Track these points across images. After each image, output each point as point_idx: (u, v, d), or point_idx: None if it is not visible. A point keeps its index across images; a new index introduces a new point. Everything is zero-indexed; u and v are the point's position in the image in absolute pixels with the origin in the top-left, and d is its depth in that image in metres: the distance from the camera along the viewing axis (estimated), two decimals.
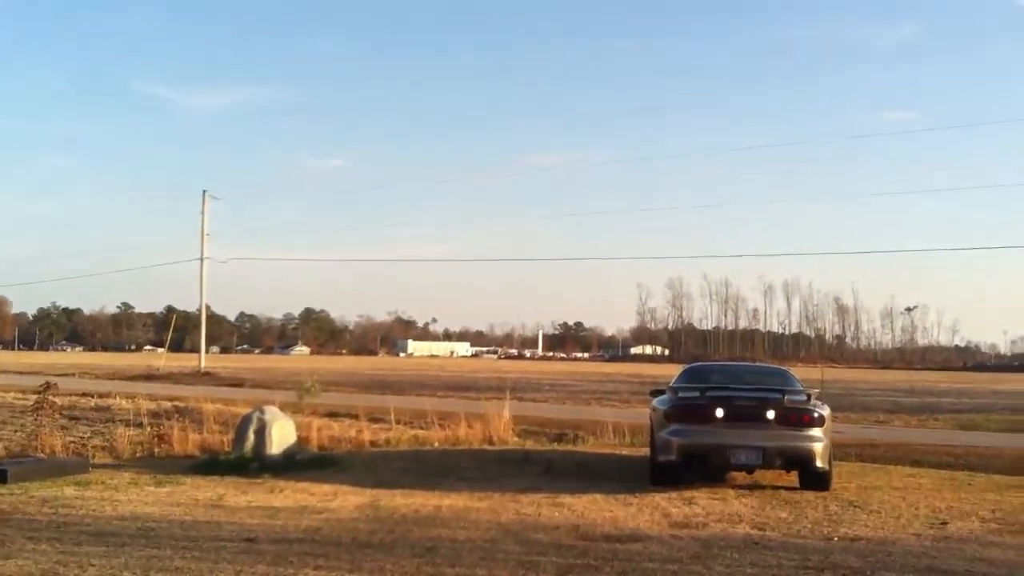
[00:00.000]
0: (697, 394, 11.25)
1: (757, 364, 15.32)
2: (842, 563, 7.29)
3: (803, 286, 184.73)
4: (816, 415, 10.76)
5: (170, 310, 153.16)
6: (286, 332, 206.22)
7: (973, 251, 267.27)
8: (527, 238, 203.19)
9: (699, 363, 14.18)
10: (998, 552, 7.84)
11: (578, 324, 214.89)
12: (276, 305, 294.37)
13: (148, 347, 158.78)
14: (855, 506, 10.05)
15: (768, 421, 10.57)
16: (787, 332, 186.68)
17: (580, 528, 8.62)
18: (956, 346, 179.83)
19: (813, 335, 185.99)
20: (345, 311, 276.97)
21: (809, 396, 11.21)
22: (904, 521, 9.32)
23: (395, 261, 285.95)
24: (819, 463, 10.57)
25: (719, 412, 10.64)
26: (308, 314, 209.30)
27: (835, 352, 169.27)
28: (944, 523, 9.25)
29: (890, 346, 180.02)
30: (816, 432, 10.62)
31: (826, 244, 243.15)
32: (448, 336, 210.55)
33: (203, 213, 56.50)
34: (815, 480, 10.97)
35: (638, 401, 32.16)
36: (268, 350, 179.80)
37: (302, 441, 13.74)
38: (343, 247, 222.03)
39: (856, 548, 7.91)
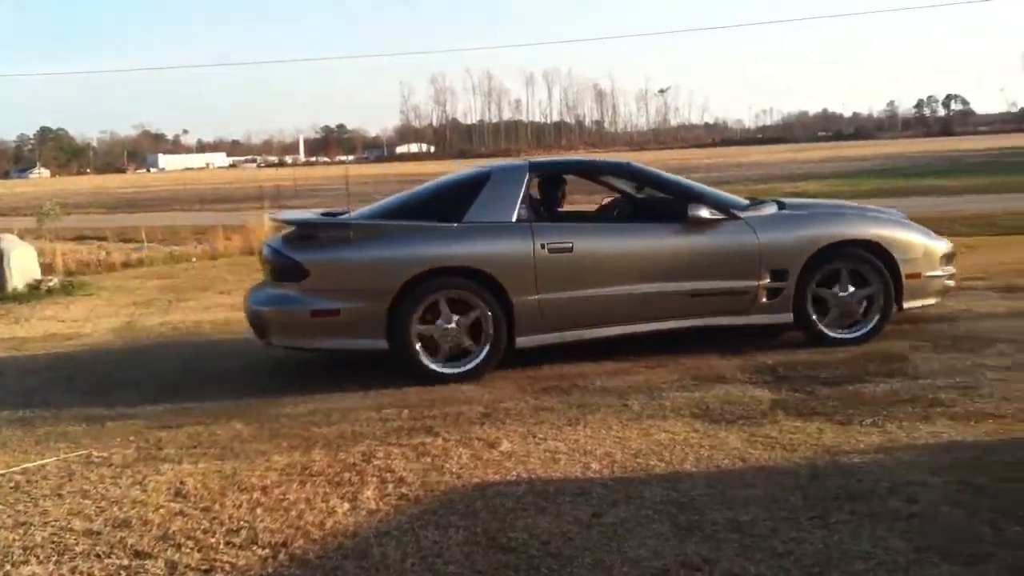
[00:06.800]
0: None
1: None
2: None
3: (563, 74, 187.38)
4: (291, 264, 6.28)
5: None
6: (23, 154, 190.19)
7: (722, 29, 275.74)
8: (276, 41, 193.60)
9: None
10: None
11: (340, 126, 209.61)
12: (7, 126, 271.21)
13: None
14: None
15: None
16: (549, 121, 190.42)
17: None
18: (706, 123, 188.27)
19: (574, 122, 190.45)
20: (86, 128, 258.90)
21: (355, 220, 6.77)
22: None
23: (137, 71, 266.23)
24: (273, 338, 6.40)
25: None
26: (44, 133, 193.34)
27: (595, 137, 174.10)
28: None
29: (646, 128, 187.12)
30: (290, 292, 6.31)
31: (585, 31, 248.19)
32: (203, 148, 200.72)
33: None
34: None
35: None
36: (4, 175, 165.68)
37: (46, 269, 12.90)
38: (76, 59, 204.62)
39: None
